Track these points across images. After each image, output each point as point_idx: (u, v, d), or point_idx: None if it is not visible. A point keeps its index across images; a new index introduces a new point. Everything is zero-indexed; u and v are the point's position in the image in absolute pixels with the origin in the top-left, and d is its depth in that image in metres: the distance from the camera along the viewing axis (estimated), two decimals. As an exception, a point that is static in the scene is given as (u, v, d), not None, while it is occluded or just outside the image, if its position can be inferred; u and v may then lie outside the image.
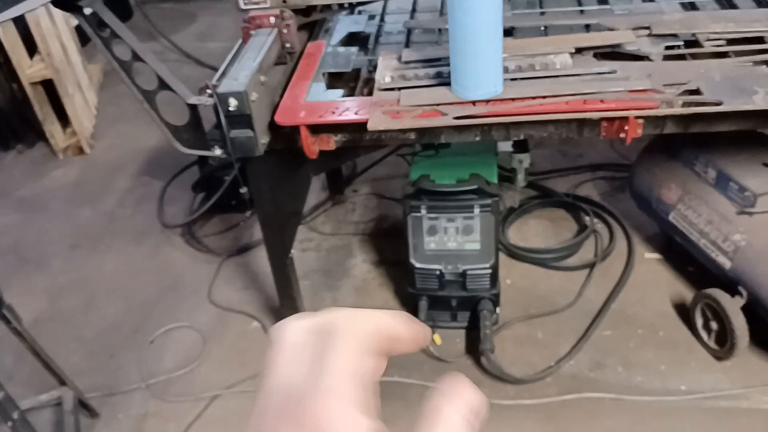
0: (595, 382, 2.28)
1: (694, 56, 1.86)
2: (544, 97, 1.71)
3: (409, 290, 2.51)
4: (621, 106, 1.66)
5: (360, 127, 1.80)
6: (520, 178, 2.79)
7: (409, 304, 2.56)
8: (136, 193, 3.65)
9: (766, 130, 2.31)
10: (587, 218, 2.97)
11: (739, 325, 2.17)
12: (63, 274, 3.11)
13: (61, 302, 2.94)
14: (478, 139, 1.87)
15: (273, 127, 1.92)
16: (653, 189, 2.57)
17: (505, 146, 2.73)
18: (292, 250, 2.36)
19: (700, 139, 2.39)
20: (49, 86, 3.92)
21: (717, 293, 2.24)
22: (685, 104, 1.65)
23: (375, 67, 2.04)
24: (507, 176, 2.80)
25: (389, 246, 3.02)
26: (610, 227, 2.94)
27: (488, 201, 2.29)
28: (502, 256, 2.82)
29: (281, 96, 1.99)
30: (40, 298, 2.96)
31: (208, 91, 1.77)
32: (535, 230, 3.02)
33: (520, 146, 2.72)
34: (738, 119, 1.76)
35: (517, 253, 2.84)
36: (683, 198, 2.43)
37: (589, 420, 2.16)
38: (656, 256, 2.77)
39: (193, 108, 1.79)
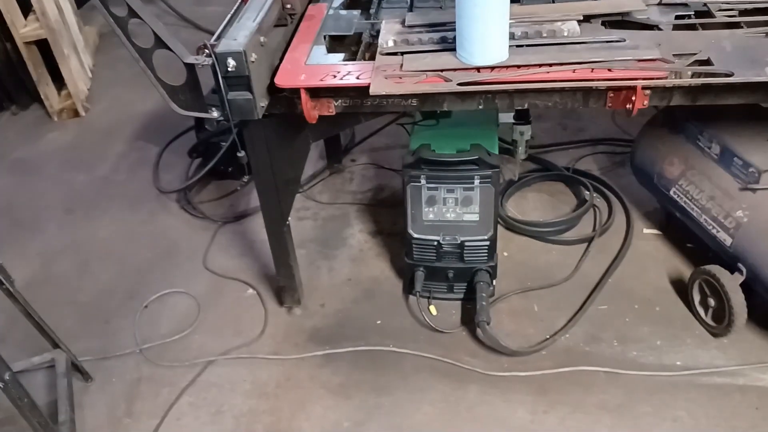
0: (589, 356, 2.27)
1: (705, 26, 1.82)
2: (551, 65, 1.67)
3: (407, 261, 2.49)
4: (629, 75, 1.62)
5: (361, 91, 1.76)
6: (521, 151, 2.74)
7: (406, 275, 2.54)
8: (132, 157, 3.61)
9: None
10: (587, 192, 2.94)
11: (738, 302, 2.16)
12: (57, 238, 3.08)
13: (54, 266, 2.92)
14: (481, 107, 1.83)
15: (272, 90, 1.88)
16: (655, 163, 2.54)
17: (506, 118, 2.69)
18: (289, 218, 2.33)
19: (704, 114, 2.36)
20: (44, 47, 3.85)
21: (716, 269, 2.23)
22: (695, 75, 1.61)
23: (377, 32, 2.00)
24: (507, 148, 2.76)
25: (386, 216, 2.99)
26: (609, 202, 2.92)
27: (489, 172, 2.26)
28: (500, 229, 2.79)
29: (281, 59, 1.94)
30: (33, 262, 2.94)
31: (206, 51, 1.72)
32: (534, 203, 2.99)
33: (522, 117, 2.67)
34: (747, 92, 1.73)
35: (515, 226, 2.82)
36: (685, 173, 2.40)
37: (582, 393, 2.16)
38: (655, 231, 2.76)
39: (191, 68, 1.75)
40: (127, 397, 2.30)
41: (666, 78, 1.61)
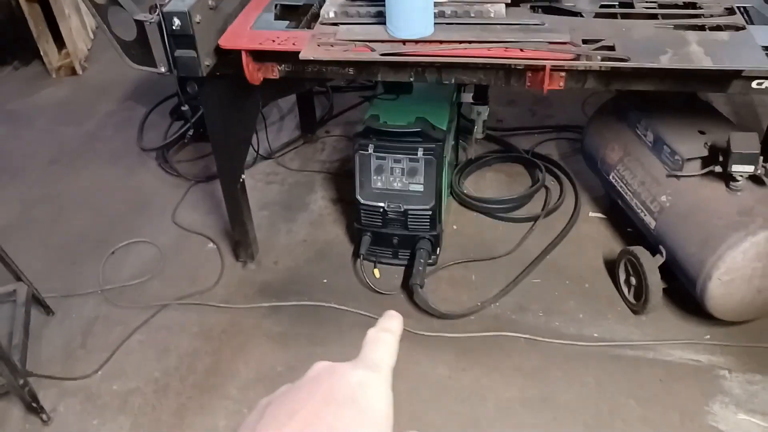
0: (515, 323, 2.41)
1: (626, 16, 1.93)
2: (470, 42, 1.79)
3: (356, 225, 2.64)
4: (538, 56, 1.75)
5: (296, 56, 1.89)
6: (478, 129, 2.88)
7: (357, 240, 2.69)
8: (120, 116, 3.78)
9: (704, 96, 2.39)
10: (540, 174, 3.06)
11: (654, 281, 2.28)
12: (38, 187, 3.26)
13: (32, 212, 3.10)
14: (412, 79, 1.96)
15: (222, 52, 2.02)
16: (600, 149, 2.66)
17: (466, 97, 2.81)
18: (243, 176, 2.48)
19: (646, 103, 2.47)
20: (45, 5, 4.02)
21: (638, 250, 2.35)
22: (604, 59, 1.73)
23: (325, 3, 2.13)
24: (470, 128, 2.89)
25: (349, 185, 3.10)
26: (561, 185, 3.04)
27: (432, 145, 2.39)
28: (454, 204, 2.94)
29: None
30: (13, 208, 3.12)
31: (158, 10, 1.87)
32: (491, 183, 3.12)
33: (480, 98, 2.80)
34: (656, 79, 1.84)
35: (467, 202, 2.94)
36: (623, 159, 2.52)
37: (501, 356, 2.30)
38: (600, 215, 2.88)
39: (140, 24, 1.90)
40: (84, 332, 2.49)
41: (572, 60, 1.73)
